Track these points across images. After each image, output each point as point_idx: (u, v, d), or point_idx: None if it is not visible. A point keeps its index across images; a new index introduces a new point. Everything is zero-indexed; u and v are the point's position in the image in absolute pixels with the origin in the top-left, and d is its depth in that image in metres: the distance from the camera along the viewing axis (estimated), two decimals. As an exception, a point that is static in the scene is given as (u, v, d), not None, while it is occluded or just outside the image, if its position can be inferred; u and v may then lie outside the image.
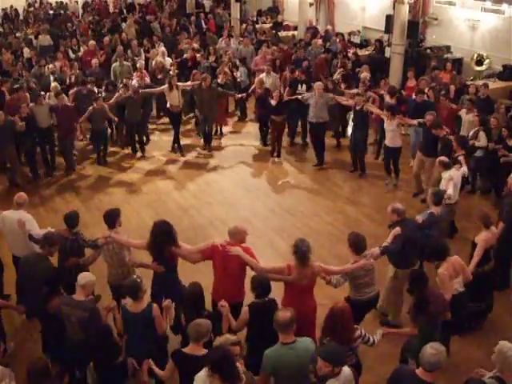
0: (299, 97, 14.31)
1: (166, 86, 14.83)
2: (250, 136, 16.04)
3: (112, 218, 7.95)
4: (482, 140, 11.80)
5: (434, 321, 6.58)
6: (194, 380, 5.38)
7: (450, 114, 13.12)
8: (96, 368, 6.24)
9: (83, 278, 6.61)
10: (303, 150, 15.30)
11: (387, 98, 13.75)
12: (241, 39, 20.93)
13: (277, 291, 7.03)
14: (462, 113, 12.96)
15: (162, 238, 7.43)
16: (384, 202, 12.19)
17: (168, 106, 15.16)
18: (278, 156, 14.82)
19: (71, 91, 14.96)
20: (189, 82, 15.43)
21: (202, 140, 15.68)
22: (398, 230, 7.86)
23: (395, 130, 12.40)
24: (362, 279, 7.28)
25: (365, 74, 15.57)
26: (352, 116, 13.95)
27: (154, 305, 6.48)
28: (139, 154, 15.13)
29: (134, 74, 16.45)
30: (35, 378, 5.41)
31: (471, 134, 12.06)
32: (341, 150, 15.11)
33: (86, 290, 6.56)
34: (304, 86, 14.91)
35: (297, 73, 15.50)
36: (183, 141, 15.71)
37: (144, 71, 16.49)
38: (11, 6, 31.36)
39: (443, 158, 10.05)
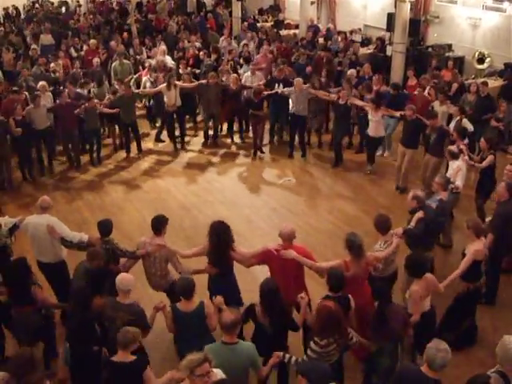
0: (279, 91, 14.51)
1: (164, 85, 14.83)
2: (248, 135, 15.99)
3: (159, 224, 7.85)
4: (468, 126, 12.00)
5: (395, 337, 6.46)
6: None
7: (424, 105, 13.21)
8: None
9: (127, 282, 6.54)
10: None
11: (367, 96, 13.88)
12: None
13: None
14: (436, 104, 13.21)
15: (225, 240, 7.52)
16: (383, 199, 12.40)
17: (165, 104, 15.08)
18: (262, 152, 14.96)
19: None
20: (186, 83, 15.39)
21: (203, 138, 15.72)
22: (421, 213, 8.16)
23: (379, 121, 13.06)
24: (392, 257, 7.67)
25: (351, 71, 15.69)
26: (333, 110, 14.39)
27: (206, 302, 6.49)
28: (135, 153, 15.08)
29: (144, 71, 16.41)
30: (21, 370, 5.26)
31: (454, 124, 12.22)
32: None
33: (130, 293, 6.52)
34: (281, 85, 14.86)
35: (276, 72, 15.53)
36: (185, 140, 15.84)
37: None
38: (13, 5, 31.40)
39: (453, 148, 10.13)
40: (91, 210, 12.21)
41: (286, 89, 14.42)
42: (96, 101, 14.16)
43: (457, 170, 9.79)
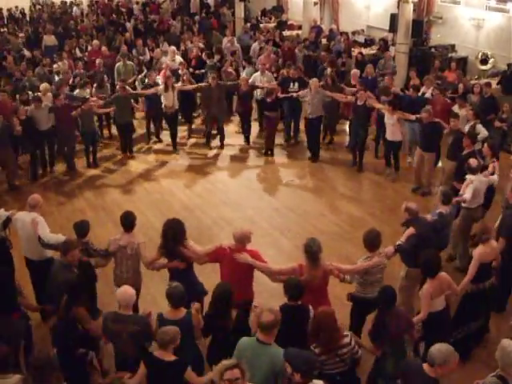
0: (295, 94, 14.40)
1: (162, 86, 14.79)
2: (254, 135, 15.99)
3: (128, 220, 7.88)
4: (482, 132, 11.81)
5: (398, 340, 6.34)
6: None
7: (444, 109, 12.98)
8: None
9: (125, 294, 6.43)
10: (304, 149, 15.26)
11: (385, 98, 13.68)
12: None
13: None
14: (455, 108, 12.95)
15: (173, 237, 7.50)
16: (388, 200, 12.35)
17: (163, 106, 15.04)
18: (272, 154, 14.88)
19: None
20: (189, 85, 15.44)
21: (206, 140, 15.71)
22: (411, 229, 7.89)
23: (395, 124, 12.68)
24: (374, 276, 7.28)
25: (354, 71, 15.66)
26: (352, 112, 14.06)
27: (193, 311, 6.42)
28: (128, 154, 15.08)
29: (162, 72, 16.32)
30: (41, 370, 5.27)
31: (467, 128, 11.93)
32: (342, 148, 15.16)
33: (129, 303, 6.40)
34: (296, 84, 14.84)
35: (291, 71, 15.36)
36: (184, 140, 15.94)
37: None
38: (16, 7, 31.49)
39: (472, 162, 9.59)
40: (94, 210, 12.22)
41: (301, 92, 14.28)
42: (93, 99, 14.17)
43: (468, 182, 9.42)
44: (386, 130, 12.98)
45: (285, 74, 15.65)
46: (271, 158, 14.79)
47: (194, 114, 17.22)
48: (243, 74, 16.20)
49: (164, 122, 15.81)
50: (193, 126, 16.83)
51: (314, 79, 14.27)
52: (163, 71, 16.24)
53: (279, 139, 15.53)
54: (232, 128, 16.72)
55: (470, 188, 9.29)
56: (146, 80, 15.74)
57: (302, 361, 5.18)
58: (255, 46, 20.21)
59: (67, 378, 5.57)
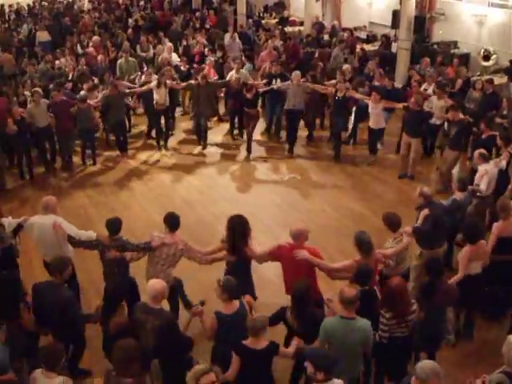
0: (275, 86, 14.58)
1: (154, 83, 14.71)
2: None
3: (175, 221, 7.82)
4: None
5: (439, 309, 6.89)
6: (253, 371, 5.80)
7: (422, 99, 13.28)
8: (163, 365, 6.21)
9: (153, 287, 6.40)
10: (309, 146, 15.33)
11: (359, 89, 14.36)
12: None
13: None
14: (434, 99, 13.36)
15: (239, 233, 7.55)
16: (388, 196, 12.46)
17: (154, 103, 14.88)
18: (250, 152, 14.78)
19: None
20: (182, 84, 15.48)
21: (196, 136, 15.65)
22: (426, 211, 8.32)
23: (379, 113, 13.44)
24: (402, 254, 7.72)
25: (346, 66, 15.87)
26: (332, 104, 14.37)
27: (245, 300, 6.49)
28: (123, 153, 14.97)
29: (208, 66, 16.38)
30: (124, 360, 5.35)
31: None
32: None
33: (158, 297, 6.37)
34: (278, 80, 14.89)
35: (273, 67, 15.44)
36: (186, 137, 16.05)
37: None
38: (17, 3, 31.45)
39: (483, 151, 10.02)
40: (96, 207, 12.22)
41: (282, 83, 14.46)
42: (94, 101, 14.08)
43: (483, 172, 9.63)
44: (360, 119, 14.04)
45: (267, 69, 15.90)
46: (270, 154, 14.79)
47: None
48: (243, 70, 16.12)
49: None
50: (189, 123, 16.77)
51: (297, 71, 14.43)
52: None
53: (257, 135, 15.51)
54: (227, 126, 16.60)
55: (485, 179, 9.60)
56: (143, 78, 15.66)
57: (323, 359, 5.31)
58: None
59: None
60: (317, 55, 17.81)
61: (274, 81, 14.96)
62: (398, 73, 17.86)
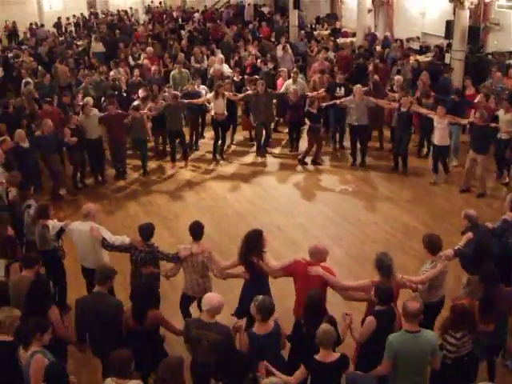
0: (338, 102, 14.40)
1: (212, 94, 14.86)
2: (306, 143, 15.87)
3: (198, 230, 7.89)
4: None
5: (502, 319, 6.80)
6: None
7: (488, 113, 12.87)
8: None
9: (209, 300, 6.29)
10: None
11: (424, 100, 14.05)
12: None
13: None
14: (500, 113, 12.96)
15: (249, 247, 7.55)
16: (440, 209, 12.21)
17: (212, 114, 15.05)
18: (318, 163, 14.73)
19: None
20: (235, 94, 15.52)
21: (256, 144, 15.73)
22: (470, 234, 8.02)
23: (445, 129, 12.79)
24: (438, 280, 7.33)
25: (398, 77, 15.57)
26: (396, 118, 13.98)
27: (277, 321, 6.34)
28: (183, 163, 15.08)
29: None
30: (171, 376, 5.37)
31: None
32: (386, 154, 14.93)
33: (213, 312, 6.27)
34: (342, 89, 14.87)
35: (338, 76, 15.47)
36: (238, 148, 16.06)
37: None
38: (73, 15, 32.28)
39: None
40: (148, 215, 12.31)
41: (344, 99, 14.30)
42: (144, 112, 14.19)
43: None
44: (430, 134, 13.23)
45: (316, 80, 15.92)
46: (322, 165, 14.70)
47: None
48: (300, 80, 16.15)
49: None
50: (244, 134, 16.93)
51: (358, 85, 14.23)
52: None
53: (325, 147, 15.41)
54: (282, 136, 16.71)
55: None
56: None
57: None
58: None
59: None
60: (371, 68, 17.63)
61: (337, 89, 14.93)
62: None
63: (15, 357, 5.90)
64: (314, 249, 7.20)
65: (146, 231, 7.91)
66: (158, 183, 14.20)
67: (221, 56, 19.05)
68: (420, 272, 7.42)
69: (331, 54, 19.70)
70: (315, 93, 15.10)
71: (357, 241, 10.92)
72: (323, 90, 15.18)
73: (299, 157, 14.86)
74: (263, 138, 15.62)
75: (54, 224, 8.67)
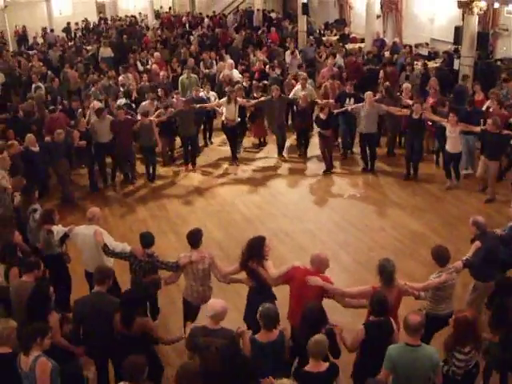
0: (349, 108, 14.35)
1: (225, 99, 14.91)
2: (315, 148, 15.76)
3: (196, 238, 7.85)
4: None
5: None
6: None
7: (501, 121, 12.75)
8: None
9: (213, 307, 6.32)
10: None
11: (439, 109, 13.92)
12: None
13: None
14: None
15: (247, 253, 7.50)
16: (449, 216, 12.12)
17: (223, 119, 15.11)
18: (331, 171, 14.63)
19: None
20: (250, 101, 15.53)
21: (277, 149, 15.73)
22: (478, 243, 7.92)
23: (457, 137, 12.73)
24: (446, 292, 7.24)
25: (406, 85, 15.47)
26: (409, 125, 13.88)
27: (285, 331, 6.33)
28: (190, 167, 15.12)
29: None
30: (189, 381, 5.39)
31: None
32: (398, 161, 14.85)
33: (217, 318, 6.29)
34: (352, 100, 14.74)
35: (348, 86, 15.32)
36: (247, 153, 16.04)
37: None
38: (83, 20, 32.45)
39: None
40: (156, 220, 12.40)
41: (355, 105, 14.25)
42: (152, 118, 14.18)
43: None
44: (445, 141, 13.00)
45: (328, 86, 15.93)
46: (331, 171, 14.63)
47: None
48: (309, 87, 16.09)
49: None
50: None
51: (369, 92, 14.18)
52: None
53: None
54: (290, 141, 16.66)
55: None
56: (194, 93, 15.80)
57: None
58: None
59: None
60: (382, 74, 17.61)
61: (347, 100, 14.84)
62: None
63: (14, 368, 5.88)
64: (316, 257, 7.14)
65: (146, 239, 7.94)
66: (166, 188, 14.22)
67: (230, 61, 19.08)
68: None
69: (340, 60, 19.65)
70: (325, 101, 15.07)
71: (365, 247, 10.89)
72: (333, 100, 15.15)
73: (322, 171, 14.64)
74: (280, 141, 15.62)
75: (58, 229, 8.72)
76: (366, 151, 14.42)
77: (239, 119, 15.31)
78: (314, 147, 15.56)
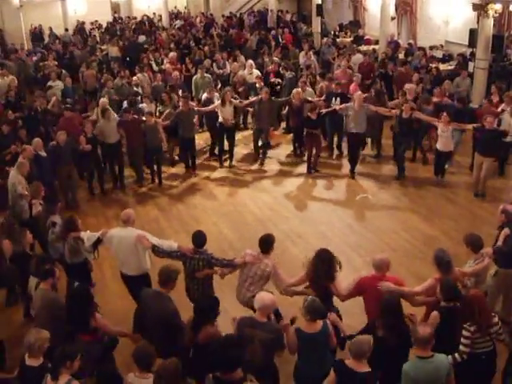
0: (337, 107, 14.36)
1: (219, 102, 14.83)
2: (325, 150, 15.81)
3: (267, 244, 7.82)
4: None
5: None
6: None
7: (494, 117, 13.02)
8: None
9: (262, 299, 6.38)
10: (376, 164, 15.21)
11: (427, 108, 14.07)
12: None
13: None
14: (506, 116, 13.19)
15: (323, 270, 7.34)
16: (461, 219, 12.09)
17: (220, 120, 14.96)
18: (316, 170, 14.66)
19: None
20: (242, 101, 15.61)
21: (254, 152, 15.71)
22: (507, 230, 8.15)
23: (449, 136, 13.00)
24: (482, 276, 7.66)
25: (411, 86, 15.40)
26: (397, 125, 13.99)
27: (328, 321, 6.40)
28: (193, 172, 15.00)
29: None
30: (168, 381, 5.40)
31: None
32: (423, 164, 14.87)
33: (265, 311, 6.35)
34: (338, 100, 14.79)
35: (333, 85, 15.41)
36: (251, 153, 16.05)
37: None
38: (96, 21, 32.59)
39: None
40: (168, 220, 12.44)
41: (344, 105, 14.22)
42: (157, 120, 14.13)
43: None
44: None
45: (323, 86, 15.94)
46: (315, 172, 14.63)
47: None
48: (308, 88, 16.05)
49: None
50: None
51: (358, 93, 14.23)
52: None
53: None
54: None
55: None
56: (205, 95, 15.80)
57: None
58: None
59: None
60: (394, 74, 17.62)
61: (334, 100, 14.88)
62: (475, 93, 17.50)
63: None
64: (380, 261, 7.20)
65: (199, 239, 7.87)
66: (176, 189, 14.25)
67: (250, 62, 18.99)
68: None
69: (359, 58, 19.77)
70: (316, 99, 15.15)
71: (376, 249, 10.83)
72: (322, 98, 15.21)
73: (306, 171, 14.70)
74: (260, 144, 15.56)
75: (88, 235, 8.48)
76: (355, 151, 14.40)
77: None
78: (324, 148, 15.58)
